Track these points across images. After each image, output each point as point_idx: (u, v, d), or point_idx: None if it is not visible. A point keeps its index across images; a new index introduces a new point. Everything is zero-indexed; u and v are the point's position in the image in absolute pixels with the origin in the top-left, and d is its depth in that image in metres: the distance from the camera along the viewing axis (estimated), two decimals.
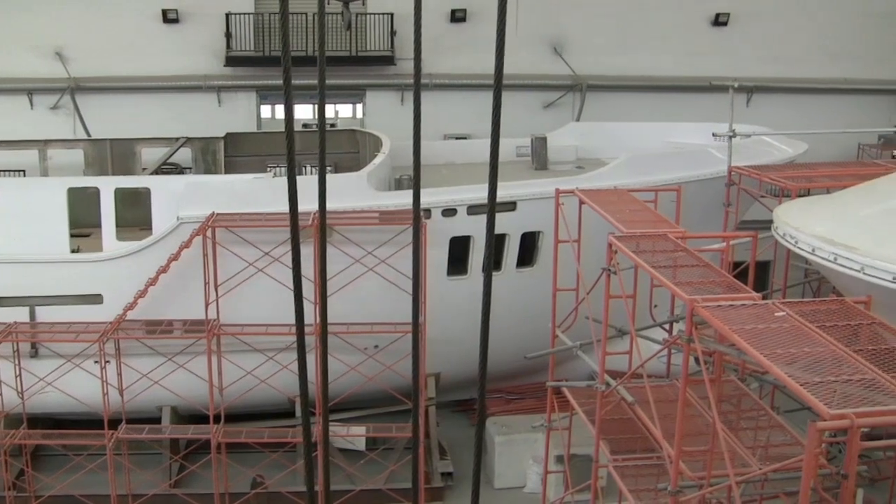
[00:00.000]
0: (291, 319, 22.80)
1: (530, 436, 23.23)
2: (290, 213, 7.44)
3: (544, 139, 28.98)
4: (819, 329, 11.38)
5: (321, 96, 7.93)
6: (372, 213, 22.59)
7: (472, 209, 23.63)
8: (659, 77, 37.19)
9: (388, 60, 35.48)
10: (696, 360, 12.93)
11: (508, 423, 25.12)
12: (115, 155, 29.18)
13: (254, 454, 23.45)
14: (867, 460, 23.30)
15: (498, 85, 6.59)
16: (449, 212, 23.47)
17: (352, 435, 23.67)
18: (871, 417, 9.46)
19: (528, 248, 24.84)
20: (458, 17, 35.65)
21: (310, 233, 20.87)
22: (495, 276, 24.82)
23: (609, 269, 15.77)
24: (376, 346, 22.72)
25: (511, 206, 23.96)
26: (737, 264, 19.50)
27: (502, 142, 26.77)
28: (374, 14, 35.08)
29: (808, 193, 21.19)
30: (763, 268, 22.49)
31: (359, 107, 36.90)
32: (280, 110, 36.12)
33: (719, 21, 37.91)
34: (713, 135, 23.01)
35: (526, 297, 24.00)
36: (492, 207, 7.06)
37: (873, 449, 22.84)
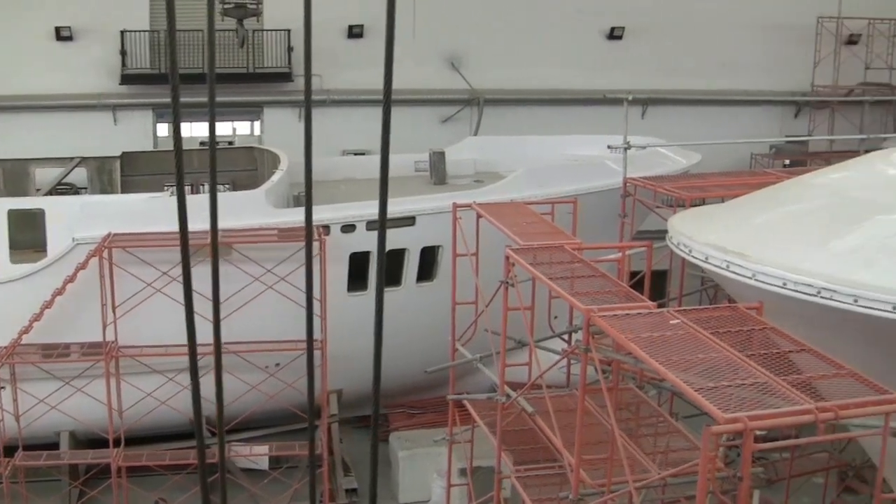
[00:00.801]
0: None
1: (433, 449, 23.21)
2: (179, 232, 7.40)
3: (442, 153, 29.06)
4: (713, 336, 11.57)
5: (211, 113, 7.88)
6: (270, 231, 22.49)
7: (372, 224, 23.59)
8: (556, 90, 37.54)
9: (286, 77, 35.33)
10: (597, 369, 13.05)
11: (411, 437, 25.10)
12: (7, 176, 28.50)
13: (155, 477, 23.11)
14: (765, 462, 23.78)
15: (387, 101, 6.58)
16: (348, 227, 23.43)
17: (254, 454, 23.45)
18: (763, 420, 9.62)
19: (429, 262, 24.88)
20: (355, 32, 35.60)
21: (207, 251, 20.60)
22: (395, 291, 24.99)
23: (506, 282, 15.86)
24: (277, 365, 22.55)
25: (410, 221, 24.01)
26: (635, 274, 19.75)
27: (400, 157, 26.86)
28: (271, 30, 34.86)
29: (703, 203, 21.54)
30: (661, 277, 22.78)
31: (256, 124, 36.64)
32: None
33: (614, 35, 38.48)
34: (608, 147, 23.31)
35: (427, 311, 24.02)
36: (382, 223, 7.04)
37: (771, 451, 23.33)
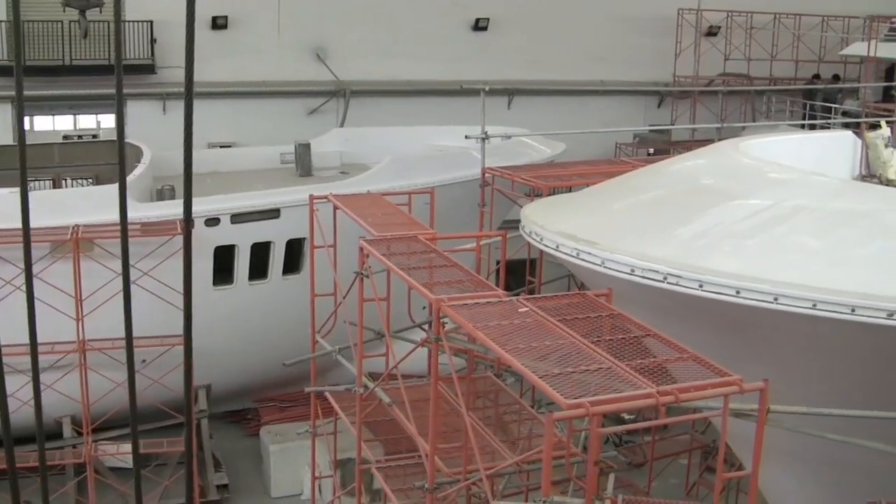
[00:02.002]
0: (53, 337, 22.08)
1: (305, 443, 23.18)
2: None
3: (308, 145, 28.99)
4: (561, 323, 11.75)
5: (19, 107, 7.79)
6: (133, 225, 22.15)
7: (237, 218, 23.48)
8: (423, 81, 37.69)
9: (149, 69, 34.78)
10: (449, 358, 13.19)
11: (282, 431, 25.07)
12: None
13: (21, 479, 22.59)
14: (632, 445, 24.32)
15: (189, 96, 6.59)
16: (212, 221, 23.28)
17: (122, 453, 23.14)
18: (606, 405, 9.83)
19: (295, 255, 24.85)
20: (219, 24, 35.19)
21: (69, 247, 20.33)
22: (262, 284, 24.92)
23: (361, 273, 15.94)
24: (144, 361, 22.27)
25: (275, 213, 23.99)
26: (508, 263, 19.99)
27: (266, 149, 26.67)
28: (133, 21, 34.25)
29: (569, 191, 21.82)
30: (533, 265, 23.07)
31: None
32: (39, 122, 34.84)
33: (479, 26, 38.76)
34: (466, 137, 23.49)
35: (294, 304, 23.96)
36: (188, 215, 7.05)
37: (633, 433, 23.87)
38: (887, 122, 24.01)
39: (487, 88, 23.14)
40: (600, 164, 24.77)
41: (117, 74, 7.29)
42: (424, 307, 20.02)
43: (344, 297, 18.03)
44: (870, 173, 22.22)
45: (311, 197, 20.28)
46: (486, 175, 22.91)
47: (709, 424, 22.54)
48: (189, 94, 6.90)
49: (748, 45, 41.68)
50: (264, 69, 35.53)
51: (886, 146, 22.19)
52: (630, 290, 13.72)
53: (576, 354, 10.94)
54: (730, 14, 41.34)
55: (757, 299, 13.02)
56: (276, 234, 24.08)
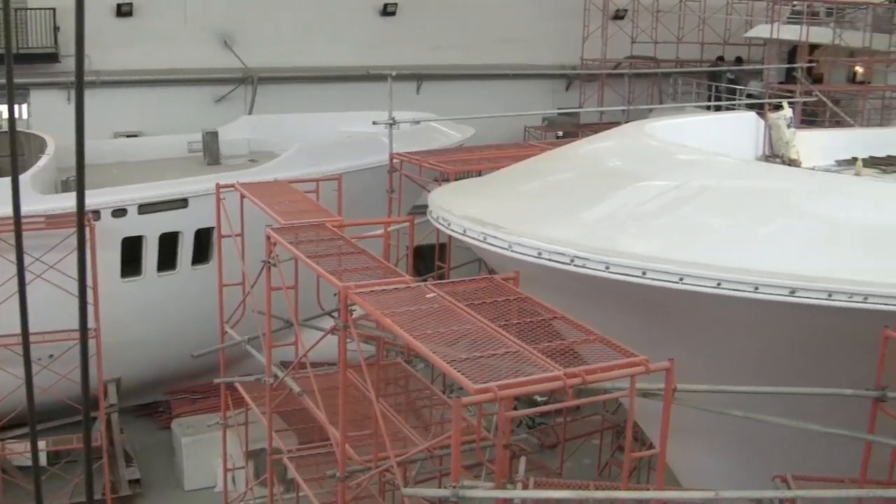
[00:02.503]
0: None
1: (217, 435, 22.96)
2: None
3: (216, 133, 28.66)
4: (469, 308, 11.74)
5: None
6: (37, 218, 21.74)
7: (144, 208, 23.15)
8: (331, 68, 37.38)
9: (53, 58, 34.06)
10: (357, 346, 13.13)
11: (194, 423, 24.86)
12: None
13: None
14: (545, 426, 24.49)
15: (79, 84, 6.41)
16: (119, 212, 22.93)
17: (30, 451, 22.68)
18: (513, 389, 9.85)
19: (203, 245, 24.59)
20: (124, 11, 34.54)
21: None
22: (171, 275, 24.62)
23: (268, 262, 15.80)
24: (51, 356, 21.86)
25: (183, 203, 23.71)
26: (419, 248, 19.93)
27: (174, 138, 26.30)
28: (36, 9, 33.54)
29: (478, 175, 21.83)
30: (443, 250, 23.06)
31: (24, 107, 35.22)
32: None
33: (388, 11, 38.58)
34: (374, 123, 23.41)
35: (203, 294, 23.69)
36: (81, 206, 6.86)
37: (546, 415, 24.06)
38: (789, 104, 24.44)
39: (395, 74, 23.07)
40: (509, 148, 24.83)
41: (7, 64, 7.07)
42: (335, 294, 20.01)
43: (252, 287, 17.86)
44: (773, 153, 22.62)
45: (218, 186, 20.04)
46: (394, 161, 22.85)
47: (620, 405, 22.76)
48: (80, 82, 6.70)
49: (654, 28, 42.02)
50: (171, 57, 34.99)
51: (788, 127, 22.61)
52: (538, 273, 13.76)
53: (484, 339, 10.94)
54: None
55: (663, 279, 13.15)
56: (185, 224, 23.81)
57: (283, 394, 16.36)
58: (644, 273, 13.20)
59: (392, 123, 22.27)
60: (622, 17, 42.42)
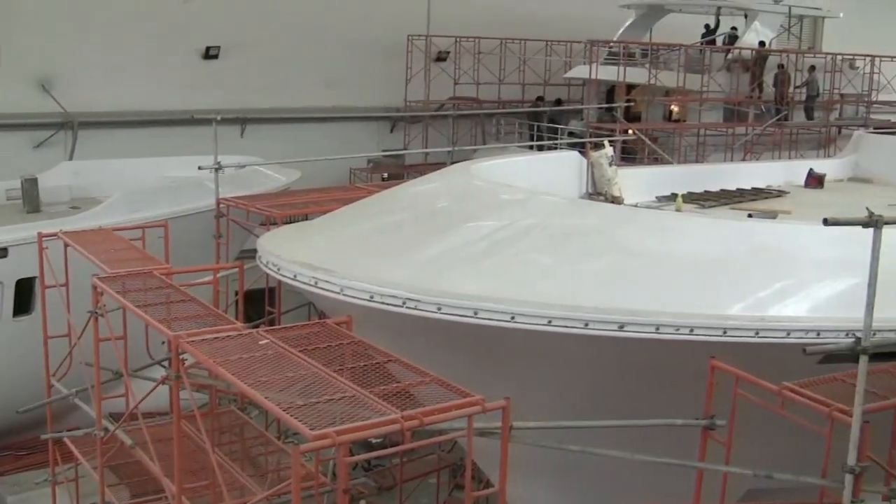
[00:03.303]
0: None
1: (46, 491, 22.10)
2: None
3: (35, 180, 27.77)
4: (302, 353, 11.72)
5: None
6: None
7: None
8: (154, 111, 36.62)
9: None
10: (190, 395, 12.93)
11: (20, 481, 24.00)
12: None
13: None
14: (382, 469, 24.43)
15: None
16: None
17: None
18: (352, 433, 9.84)
19: (26, 295, 23.84)
20: None
21: None
22: None
23: (95, 312, 15.44)
24: None
25: (2, 252, 22.97)
26: (250, 293, 19.65)
27: None
28: None
29: (305, 219, 21.76)
30: (273, 295, 22.85)
31: None
32: None
33: (210, 54, 38.14)
34: (199, 167, 23.17)
35: (26, 346, 22.93)
36: None
37: (382, 457, 23.98)
38: (609, 142, 25.15)
39: (220, 118, 22.91)
40: (335, 191, 24.89)
41: None
42: (162, 343, 19.63)
43: (79, 338, 17.39)
44: (596, 191, 23.22)
45: (40, 234, 19.48)
46: (221, 205, 22.63)
47: (455, 443, 22.89)
48: None
49: (476, 70, 42.67)
50: None
51: (610, 165, 23.25)
52: (371, 316, 13.81)
53: (319, 384, 10.92)
54: (458, 40, 42.16)
55: (495, 319, 13.35)
56: (4, 274, 23.01)
57: (114, 447, 15.95)
58: (476, 313, 13.38)
59: (218, 168, 22.08)
60: (444, 59, 42.94)
